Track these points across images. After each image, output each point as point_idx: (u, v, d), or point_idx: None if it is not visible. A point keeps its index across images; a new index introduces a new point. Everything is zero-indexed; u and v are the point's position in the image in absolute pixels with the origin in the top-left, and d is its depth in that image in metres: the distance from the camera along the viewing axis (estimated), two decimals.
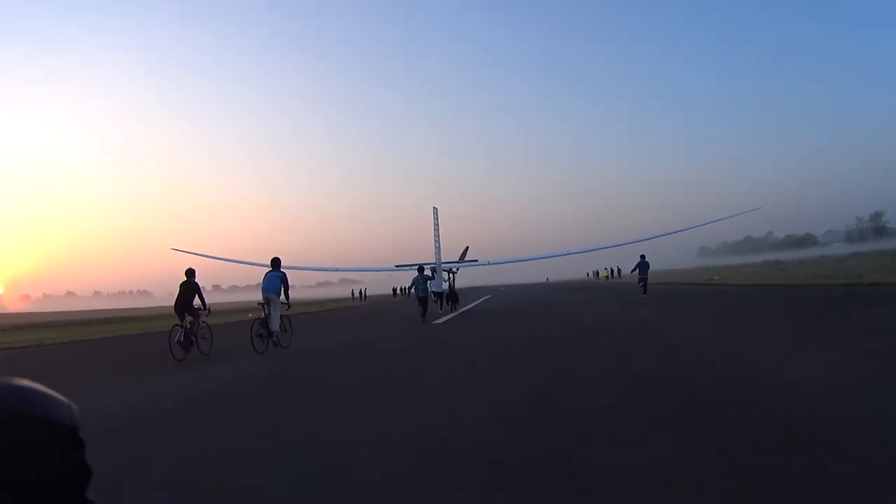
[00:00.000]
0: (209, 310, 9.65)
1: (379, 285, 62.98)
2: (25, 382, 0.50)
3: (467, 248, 28.44)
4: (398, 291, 60.23)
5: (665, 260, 45.69)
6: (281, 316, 9.46)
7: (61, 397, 0.52)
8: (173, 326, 9.13)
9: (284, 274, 9.65)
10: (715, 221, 29.60)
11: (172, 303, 9.45)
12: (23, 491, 0.47)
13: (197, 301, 9.21)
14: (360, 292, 53.88)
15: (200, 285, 9.43)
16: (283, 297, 9.48)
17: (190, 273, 9.30)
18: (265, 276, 9.61)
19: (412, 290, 16.26)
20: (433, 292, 18.32)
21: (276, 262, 9.72)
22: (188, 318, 9.07)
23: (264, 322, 9.15)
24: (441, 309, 18.46)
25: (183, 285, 9.24)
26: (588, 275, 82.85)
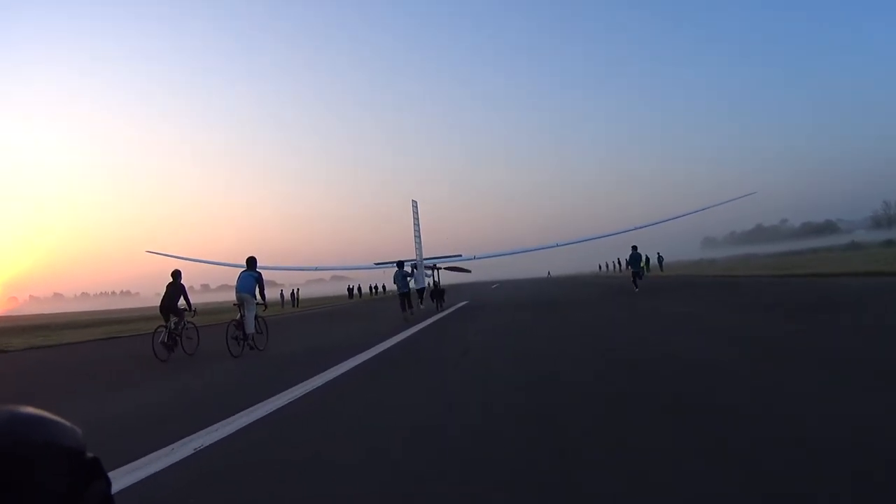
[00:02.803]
0: (195, 310, 10.18)
1: (373, 281, 62.55)
2: (29, 409, 0.51)
3: (459, 255, 28.67)
4: (356, 292, 56.77)
5: (666, 252, 45.10)
6: (256, 317, 9.59)
7: (66, 422, 0.53)
8: (157, 327, 9.57)
9: (260, 274, 9.80)
10: (708, 207, 29.78)
11: (160, 303, 9.79)
12: None
13: (182, 302, 9.75)
14: (292, 294, 45.48)
15: (188, 286, 10.02)
16: (258, 297, 9.61)
17: (176, 274, 9.89)
18: (239, 276, 9.71)
19: (395, 286, 16.80)
20: (416, 289, 18.68)
21: (251, 262, 9.86)
22: (173, 319, 9.54)
23: (239, 324, 9.27)
24: (423, 305, 18.57)
25: (169, 286, 9.77)
26: (601, 267, 70.93)
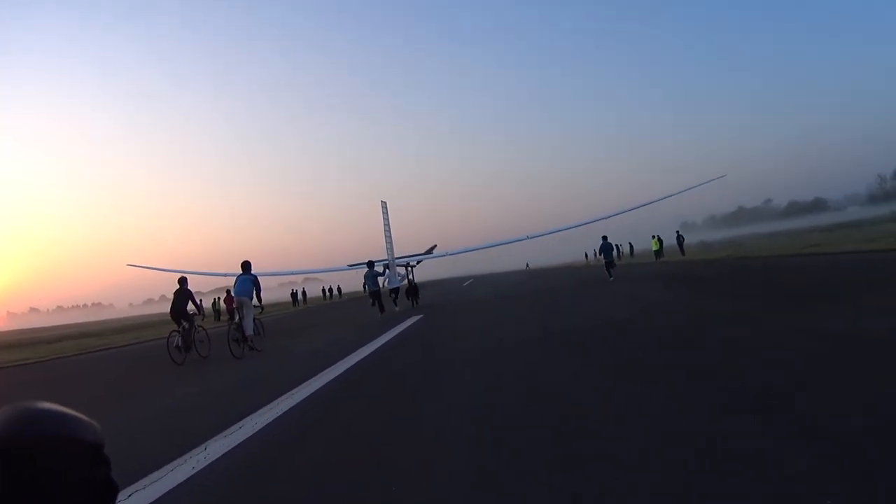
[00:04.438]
0: (203, 314, 10.69)
1: (347, 283, 60.21)
2: (49, 405, 0.53)
3: (434, 245, 29.60)
4: (300, 297, 45.56)
5: (642, 240, 43.24)
6: (254, 319, 10.15)
7: (85, 417, 0.55)
8: (171, 332, 10.09)
9: (256, 277, 10.33)
10: (678, 193, 30.31)
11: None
12: None
13: (191, 307, 10.24)
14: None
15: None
16: (255, 300, 10.13)
17: (182, 281, 10.40)
18: (236, 280, 10.27)
19: (365, 286, 17.64)
20: (390, 289, 19.20)
21: (246, 266, 10.37)
22: (184, 324, 10.02)
23: (238, 326, 9.84)
24: (397, 306, 18.89)
25: (177, 293, 10.27)
26: (587, 256, 62.78)
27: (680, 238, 34.63)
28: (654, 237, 34.26)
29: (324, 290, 54.46)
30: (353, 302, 34.76)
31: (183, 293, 10.27)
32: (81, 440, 0.53)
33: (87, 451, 0.54)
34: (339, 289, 56.18)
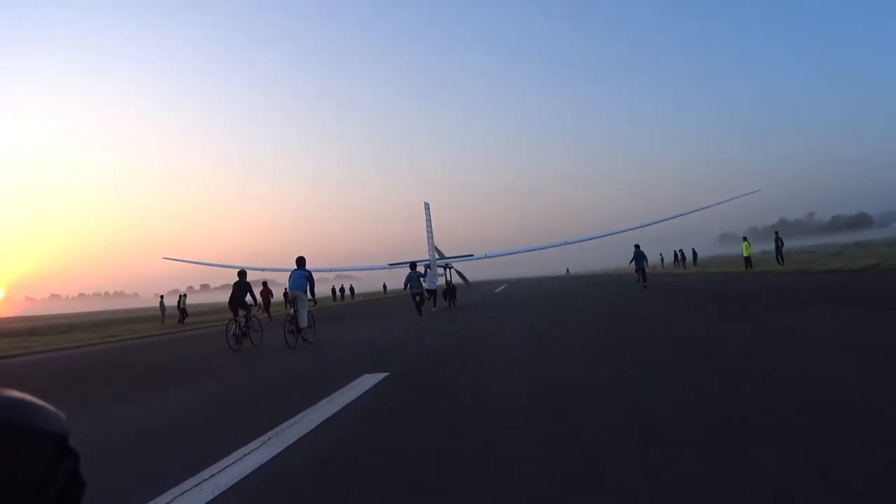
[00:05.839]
0: (259, 305, 11.66)
1: (375, 282, 61.64)
2: (12, 392, 0.52)
3: (471, 255, 30.53)
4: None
5: (685, 248, 43.14)
6: (308, 312, 10.97)
7: (49, 406, 0.54)
8: (228, 321, 11.05)
9: (310, 273, 11.22)
10: (711, 206, 30.47)
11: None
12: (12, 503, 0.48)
13: (249, 298, 11.24)
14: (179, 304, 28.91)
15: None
16: (308, 294, 10.97)
17: (242, 274, 11.47)
18: (291, 275, 11.18)
19: (407, 286, 18.33)
20: (427, 290, 20.07)
21: (301, 262, 11.27)
22: (241, 313, 11.04)
23: (293, 318, 10.71)
24: (435, 307, 19.75)
25: (236, 285, 11.31)
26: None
27: (779, 242, 27.41)
28: (744, 240, 28.89)
29: (333, 290, 52.07)
30: (364, 305, 33.93)
31: (242, 285, 11.31)
32: (44, 430, 0.52)
33: (50, 442, 0.52)
34: (350, 288, 55.32)
